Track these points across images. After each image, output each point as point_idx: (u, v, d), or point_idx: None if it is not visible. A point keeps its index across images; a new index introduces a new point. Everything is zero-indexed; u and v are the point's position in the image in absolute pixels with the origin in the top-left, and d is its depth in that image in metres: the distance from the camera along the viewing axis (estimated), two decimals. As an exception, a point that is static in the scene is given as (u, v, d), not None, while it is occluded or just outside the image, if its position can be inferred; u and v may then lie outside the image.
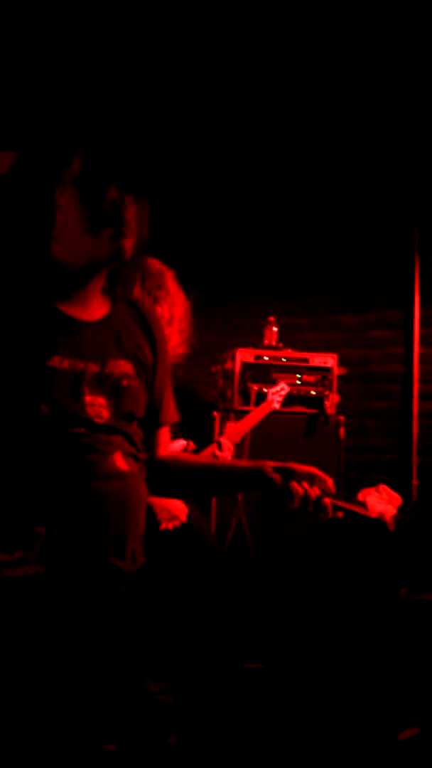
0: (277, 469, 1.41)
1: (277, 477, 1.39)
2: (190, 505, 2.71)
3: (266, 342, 3.74)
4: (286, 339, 3.82)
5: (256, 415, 3.15)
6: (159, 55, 3.75)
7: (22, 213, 1.32)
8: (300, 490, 1.37)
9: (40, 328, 1.30)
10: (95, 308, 1.38)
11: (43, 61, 3.66)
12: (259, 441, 3.34)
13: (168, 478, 1.53)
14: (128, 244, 1.33)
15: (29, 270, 1.34)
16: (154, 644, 1.42)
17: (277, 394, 3.23)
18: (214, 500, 3.42)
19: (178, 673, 2.99)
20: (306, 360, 3.65)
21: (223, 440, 2.83)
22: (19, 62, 3.67)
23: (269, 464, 1.42)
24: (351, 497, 3.62)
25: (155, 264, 2.29)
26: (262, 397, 3.37)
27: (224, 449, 2.78)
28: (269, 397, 3.23)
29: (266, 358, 3.61)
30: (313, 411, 3.57)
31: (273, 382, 3.42)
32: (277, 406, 3.21)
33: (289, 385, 3.40)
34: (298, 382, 3.57)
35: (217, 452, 2.75)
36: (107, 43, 3.65)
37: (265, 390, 3.38)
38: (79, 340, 1.32)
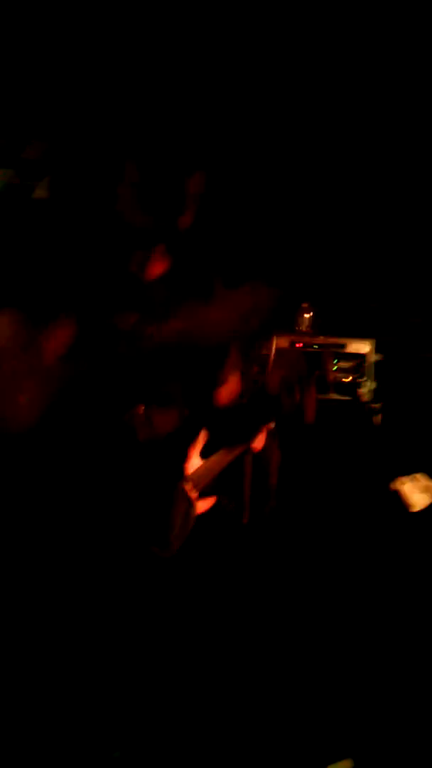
0: None
1: None
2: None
3: (299, 328, 3.70)
4: (320, 325, 3.77)
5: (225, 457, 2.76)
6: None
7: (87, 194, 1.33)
8: None
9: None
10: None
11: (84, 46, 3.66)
12: (293, 429, 3.33)
13: None
14: (186, 220, 1.34)
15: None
16: (180, 627, 1.43)
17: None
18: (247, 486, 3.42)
19: (215, 655, 3.00)
20: (341, 346, 3.61)
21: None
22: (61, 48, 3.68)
23: None
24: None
25: None
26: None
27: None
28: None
29: (300, 345, 3.59)
30: (348, 398, 3.54)
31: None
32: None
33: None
34: (334, 368, 3.54)
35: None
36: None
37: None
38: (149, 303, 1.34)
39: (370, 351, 3.61)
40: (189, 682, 2.82)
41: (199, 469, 2.37)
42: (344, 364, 3.56)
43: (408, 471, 3.59)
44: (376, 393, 3.62)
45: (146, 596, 1.35)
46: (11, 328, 1.26)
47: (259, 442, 2.71)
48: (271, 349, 3.55)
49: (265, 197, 4.40)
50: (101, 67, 3.74)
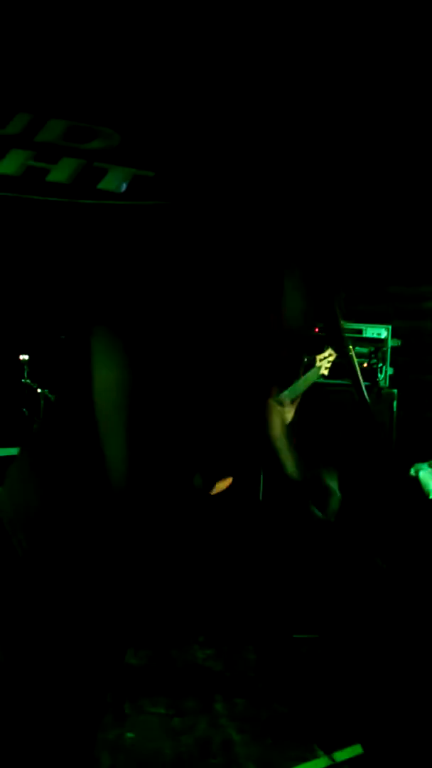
0: None
1: None
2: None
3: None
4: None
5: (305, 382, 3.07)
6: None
7: None
8: None
9: None
10: None
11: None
12: (310, 414, 3.30)
13: None
14: None
15: None
16: (202, 610, 1.43)
17: (325, 360, 3.16)
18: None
19: (228, 640, 3.00)
20: (359, 331, 3.58)
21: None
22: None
23: None
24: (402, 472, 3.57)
25: None
26: (311, 368, 3.35)
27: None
28: (317, 363, 3.16)
29: (317, 329, 3.54)
30: (366, 383, 3.50)
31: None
32: (325, 372, 3.14)
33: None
34: (351, 353, 3.50)
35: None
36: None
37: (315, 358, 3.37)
38: None
39: (387, 336, 3.57)
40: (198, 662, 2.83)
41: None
42: (361, 350, 3.52)
43: (425, 457, 3.56)
44: (392, 379, 3.58)
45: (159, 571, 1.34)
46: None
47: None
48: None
49: (283, 184, 4.36)
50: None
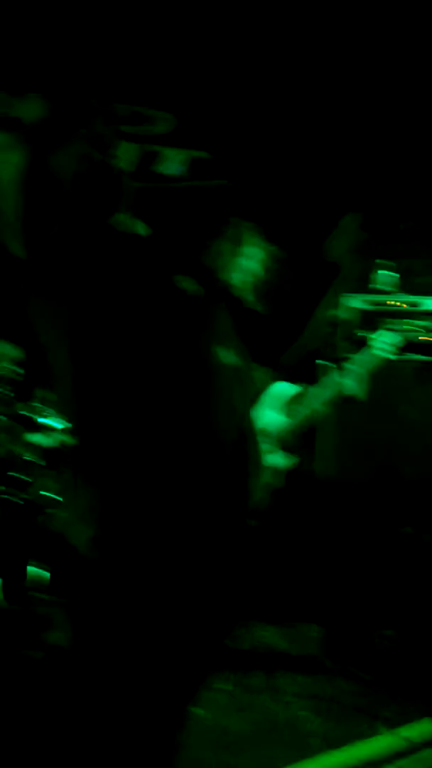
0: None
1: None
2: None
3: (375, 286, 3.60)
4: (397, 282, 3.66)
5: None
6: None
7: None
8: None
9: None
10: None
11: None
12: (370, 390, 3.28)
13: None
14: None
15: None
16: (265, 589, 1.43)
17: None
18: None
19: (291, 618, 3.05)
20: (417, 304, 3.50)
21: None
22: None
23: None
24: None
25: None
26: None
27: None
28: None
29: (374, 303, 3.50)
30: (426, 358, 3.44)
31: (381, 328, 3.37)
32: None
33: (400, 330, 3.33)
34: (408, 327, 3.44)
35: None
36: None
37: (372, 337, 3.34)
38: None
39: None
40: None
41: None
42: (419, 322, 3.44)
43: None
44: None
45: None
46: None
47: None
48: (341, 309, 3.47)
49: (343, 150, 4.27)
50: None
